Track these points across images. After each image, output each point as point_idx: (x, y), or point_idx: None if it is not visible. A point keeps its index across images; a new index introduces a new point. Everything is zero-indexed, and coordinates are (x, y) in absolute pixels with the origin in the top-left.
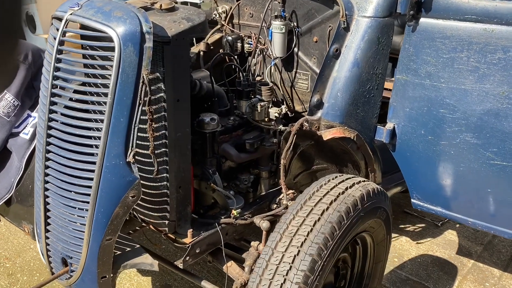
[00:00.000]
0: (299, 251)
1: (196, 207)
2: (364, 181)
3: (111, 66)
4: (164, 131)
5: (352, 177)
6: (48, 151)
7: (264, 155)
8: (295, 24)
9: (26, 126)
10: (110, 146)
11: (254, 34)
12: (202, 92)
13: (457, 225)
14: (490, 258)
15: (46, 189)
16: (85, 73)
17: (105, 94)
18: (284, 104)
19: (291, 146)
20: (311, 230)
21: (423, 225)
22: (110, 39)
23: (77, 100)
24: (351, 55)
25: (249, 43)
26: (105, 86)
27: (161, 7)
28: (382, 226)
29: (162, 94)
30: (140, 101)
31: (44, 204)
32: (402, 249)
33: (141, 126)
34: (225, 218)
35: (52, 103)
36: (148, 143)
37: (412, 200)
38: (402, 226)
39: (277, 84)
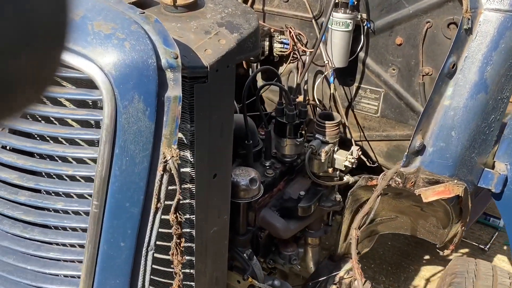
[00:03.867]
0: None
1: None
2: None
3: (97, 139)
4: (189, 230)
5: (502, 280)
6: None
7: (318, 218)
8: (365, 16)
9: None
10: None
11: (291, 28)
12: None
13: (505, 248)
14: None
15: None
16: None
17: (88, 196)
18: (354, 144)
19: (372, 212)
20: None
21: (467, 250)
22: (90, 84)
23: (23, 204)
24: (475, 73)
25: (282, 43)
26: (88, 179)
27: (175, 2)
28: None
29: (187, 170)
30: (159, 205)
31: None
32: None
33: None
34: None
35: None
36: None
37: None
38: (442, 254)
39: (323, 102)
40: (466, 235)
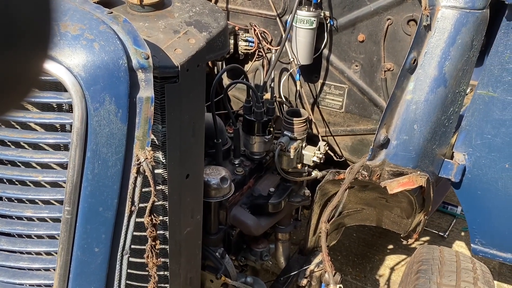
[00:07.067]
0: None
1: None
2: (476, 268)
3: (67, 143)
4: (162, 232)
5: (464, 265)
6: None
7: (288, 213)
8: (328, 14)
9: None
10: None
11: (255, 26)
12: None
13: (463, 233)
14: (510, 273)
15: None
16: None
17: (58, 202)
18: (321, 139)
19: (340, 205)
20: None
21: (428, 238)
22: (58, 87)
23: None
24: (435, 68)
25: (247, 41)
26: (56, 185)
27: (142, 1)
28: None
29: (159, 171)
30: (133, 208)
31: None
32: None
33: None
34: None
35: None
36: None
37: (472, 245)
38: (405, 242)
39: (289, 99)
40: (426, 224)
